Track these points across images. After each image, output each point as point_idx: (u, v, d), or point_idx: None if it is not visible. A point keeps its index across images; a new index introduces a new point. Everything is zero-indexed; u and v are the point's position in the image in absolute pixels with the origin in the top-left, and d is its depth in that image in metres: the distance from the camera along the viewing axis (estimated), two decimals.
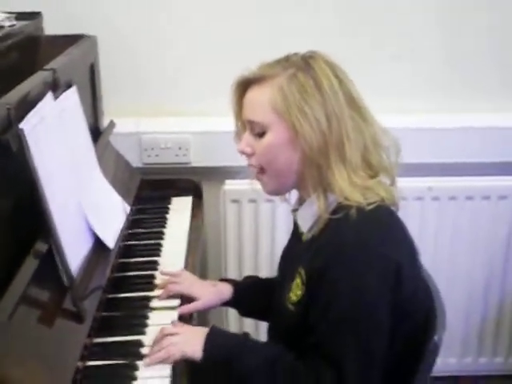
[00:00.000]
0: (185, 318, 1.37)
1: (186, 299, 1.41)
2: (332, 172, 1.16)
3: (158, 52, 1.97)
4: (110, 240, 1.40)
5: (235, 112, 1.26)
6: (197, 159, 2.03)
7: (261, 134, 1.20)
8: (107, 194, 1.52)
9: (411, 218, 1.90)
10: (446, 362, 2.17)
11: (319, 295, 1.13)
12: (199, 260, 1.67)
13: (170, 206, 1.86)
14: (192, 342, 1.19)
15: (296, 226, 1.32)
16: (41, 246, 1.15)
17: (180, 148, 2.01)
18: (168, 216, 1.80)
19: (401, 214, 1.24)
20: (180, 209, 1.84)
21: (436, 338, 1.17)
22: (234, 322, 2.11)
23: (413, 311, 1.17)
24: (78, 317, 1.18)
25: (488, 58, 2.01)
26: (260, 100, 1.19)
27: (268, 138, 1.19)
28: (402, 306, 1.14)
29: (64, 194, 1.25)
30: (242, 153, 1.25)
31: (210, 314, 1.99)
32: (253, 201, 2.02)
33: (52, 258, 1.17)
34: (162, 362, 1.17)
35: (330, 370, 1.09)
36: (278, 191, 1.28)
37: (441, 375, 2.11)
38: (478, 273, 2.10)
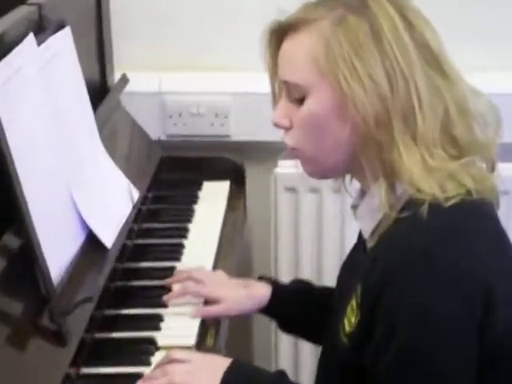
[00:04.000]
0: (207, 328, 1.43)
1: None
2: (398, 152, 1.14)
3: None
4: (108, 237, 1.41)
5: (270, 71, 1.27)
6: (239, 130, 2.03)
7: (300, 100, 1.20)
8: (108, 174, 1.54)
9: None
10: None
11: (375, 326, 1.13)
12: (236, 267, 1.69)
13: (199, 193, 1.87)
14: (202, 378, 1.20)
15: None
16: (10, 241, 1.17)
17: (217, 115, 2.02)
18: (196, 207, 1.81)
19: (503, 212, 1.21)
20: (213, 198, 1.86)
21: None
22: (287, 341, 2.11)
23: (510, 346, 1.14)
24: (58, 338, 1.18)
25: None
26: (296, 53, 1.20)
27: (307, 105, 1.20)
28: (494, 342, 1.11)
29: (45, 173, 1.26)
30: (277, 126, 1.25)
31: (254, 325, 1.99)
32: (315, 190, 2.01)
33: (26, 258, 1.18)
34: None
35: None
36: (323, 174, 1.29)
37: None
38: None
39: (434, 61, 1.18)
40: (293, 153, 1.27)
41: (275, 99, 1.28)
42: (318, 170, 1.27)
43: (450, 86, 1.18)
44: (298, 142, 1.23)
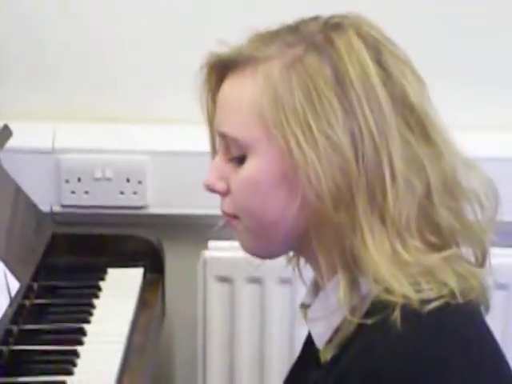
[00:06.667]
0: None
1: None
2: (362, 238, 1.15)
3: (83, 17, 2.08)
4: None
5: (208, 116, 1.28)
6: (158, 200, 2.06)
7: (240, 160, 1.21)
8: None
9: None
10: None
11: None
12: None
13: (101, 283, 1.87)
14: None
15: (310, 336, 1.31)
16: None
17: (128, 180, 2.05)
18: (97, 303, 1.79)
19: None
20: (120, 290, 1.86)
21: None
22: None
23: None
24: None
25: None
26: (237, 100, 1.20)
27: (249, 166, 1.20)
28: None
29: None
30: (211, 190, 1.25)
31: None
32: (256, 281, 2.04)
33: None
34: None
35: None
36: (266, 251, 1.28)
37: None
38: None
39: (417, 123, 1.19)
40: (230, 224, 1.27)
41: (214, 155, 1.29)
42: (260, 245, 1.26)
43: (436, 157, 1.19)
44: (236, 209, 1.24)
